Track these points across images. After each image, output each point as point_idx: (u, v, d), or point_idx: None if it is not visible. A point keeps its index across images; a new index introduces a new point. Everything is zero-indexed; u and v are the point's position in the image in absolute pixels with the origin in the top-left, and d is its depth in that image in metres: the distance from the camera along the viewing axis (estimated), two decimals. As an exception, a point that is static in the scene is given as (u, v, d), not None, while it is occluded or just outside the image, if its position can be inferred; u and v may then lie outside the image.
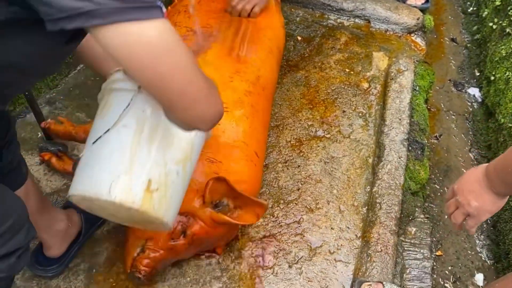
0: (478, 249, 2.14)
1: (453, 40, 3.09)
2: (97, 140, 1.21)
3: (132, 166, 1.19)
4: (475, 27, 3.10)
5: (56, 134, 1.89)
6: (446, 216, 2.13)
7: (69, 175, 1.89)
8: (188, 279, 1.72)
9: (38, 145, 1.94)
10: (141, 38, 0.81)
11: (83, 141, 1.88)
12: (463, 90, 2.79)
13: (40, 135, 2.00)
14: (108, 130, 1.20)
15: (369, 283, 1.66)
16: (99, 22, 0.78)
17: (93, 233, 1.78)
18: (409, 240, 1.90)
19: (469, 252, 2.12)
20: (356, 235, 1.87)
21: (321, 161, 2.06)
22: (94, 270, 1.71)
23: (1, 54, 0.91)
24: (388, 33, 2.64)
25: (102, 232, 1.80)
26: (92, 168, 1.22)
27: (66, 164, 1.88)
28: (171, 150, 1.26)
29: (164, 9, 0.90)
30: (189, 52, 0.91)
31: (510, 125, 2.23)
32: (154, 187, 1.22)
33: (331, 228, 1.88)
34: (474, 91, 2.77)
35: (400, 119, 2.14)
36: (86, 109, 2.12)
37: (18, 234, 1.17)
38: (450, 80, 2.84)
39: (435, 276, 1.97)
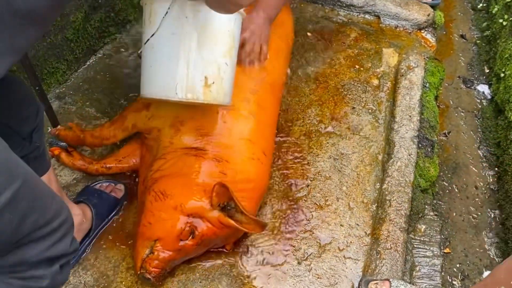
0: (486, 246, 2.13)
1: (462, 36, 3.07)
2: (146, 42, 1.49)
3: (189, 69, 1.46)
4: (484, 24, 3.08)
5: (65, 140, 1.90)
6: (454, 213, 2.13)
7: (78, 171, 1.90)
8: (197, 274, 1.72)
9: (48, 140, 1.94)
10: None
11: (91, 145, 1.89)
12: (472, 87, 2.77)
13: (49, 130, 2.00)
14: (153, 34, 1.45)
15: (375, 282, 1.66)
16: None
17: (103, 229, 1.78)
18: (418, 238, 1.90)
19: (478, 249, 2.11)
20: (366, 232, 1.87)
21: (330, 157, 2.06)
22: (103, 266, 1.71)
23: None
24: (398, 29, 2.63)
25: (112, 227, 1.80)
26: (156, 73, 1.50)
27: (75, 159, 1.88)
28: (217, 46, 1.50)
29: None
30: None
31: (521, 122, 2.22)
32: (210, 81, 1.49)
33: (341, 225, 1.88)
34: (484, 88, 2.76)
35: (410, 116, 2.13)
36: (96, 104, 2.12)
37: (65, 238, 1.18)
38: (459, 77, 2.82)
39: (443, 273, 1.96)
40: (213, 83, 1.50)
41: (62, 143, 1.91)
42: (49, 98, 2.03)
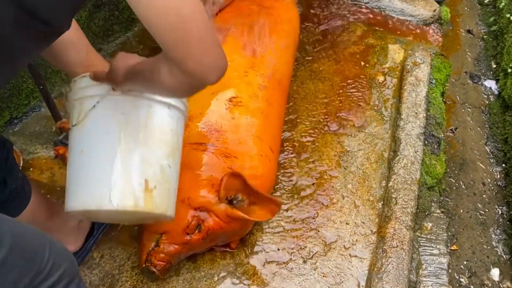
0: (494, 243, 2.11)
1: (469, 31, 3.04)
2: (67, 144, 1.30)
3: (126, 171, 1.23)
4: (491, 19, 3.06)
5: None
6: (461, 210, 2.12)
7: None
8: (203, 273, 1.71)
9: (53, 139, 1.94)
10: None
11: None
12: (479, 83, 2.75)
13: (54, 129, 2.00)
14: (75, 126, 1.26)
15: None
16: None
17: (107, 227, 1.78)
18: (425, 236, 1.89)
19: (485, 246, 2.10)
20: (372, 231, 1.86)
21: (336, 155, 2.04)
22: (108, 265, 1.71)
23: None
24: (404, 25, 2.60)
25: (117, 225, 1.80)
26: (86, 180, 1.25)
27: (80, 158, 1.87)
28: (159, 146, 1.29)
29: None
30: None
31: (528, 118, 2.20)
32: (152, 185, 1.26)
33: (346, 223, 1.87)
34: (491, 84, 2.74)
35: (416, 113, 2.11)
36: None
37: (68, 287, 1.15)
38: (466, 72, 2.80)
39: (450, 271, 1.95)
40: (155, 187, 1.26)
41: (67, 142, 1.90)
42: (54, 96, 2.03)
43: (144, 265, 1.57)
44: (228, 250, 1.76)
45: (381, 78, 2.32)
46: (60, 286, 1.12)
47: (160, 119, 1.30)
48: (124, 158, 1.23)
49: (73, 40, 1.35)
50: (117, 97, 1.22)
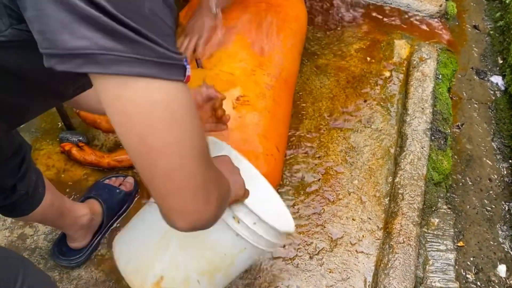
0: (500, 240, 2.10)
1: (475, 27, 3.02)
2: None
3: (153, 256, 1.24)
4: (498, 14, 3.03)
5: (84, 120, 1.90)
6: (468, 206, 2.11)
7: (90, 165, 1.90)
8: (209, 269, 1.71)
9: (59, 135, 1.94)
10: (143, 99, 0.66)
11: (106, 130, 1.89)
12: (486, 78, 2.73)
13: (60, 125, 2.00)
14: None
15: None
16: (98, 70, 0.64)
17: (114, 223, 1.78)
18: (432, 231, 1.88)
19: (492, 243, 2.09)
20: (378, 226, 1.85)
21: (341, 151, 2.04)
22: (114, 261, 1.71)
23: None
24: (410, 20, 2.59)
25: (123, 222, 1.80)
26: (130, 242, 1.31)
27: (86, 154, 1.88)
28: (196, 259, 1.23)
29: (189, 70, 0.74)
30: (199, 133, 0.74)
31: (536, 114, 2.19)
32: (164, 285, 1.22)
33: (352, 219, 1.86)
34: (497, 79, 2.72)
35: (422, 108, 2.10)
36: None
37: None
38: (472, 68, 2.78)
39: (456, 267, 1.94)
40: None
41: (73, 139, 1.91)
42: (60, 93, 2.03)
43: None
44: (234, 246, 1.76)
45: (387, 74, 2.31)
46: None
47: (217, 238, 1.21)
48: (157, 247, 1.24)
49: None
50: None
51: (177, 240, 1.21)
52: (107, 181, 1.83)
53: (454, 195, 2.17)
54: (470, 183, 2.23)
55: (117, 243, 1.33)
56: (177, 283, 1.23)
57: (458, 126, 2.45)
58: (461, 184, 2.23)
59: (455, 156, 2.30)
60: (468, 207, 2.12)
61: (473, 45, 2.91)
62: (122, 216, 1.80)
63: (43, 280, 1.10)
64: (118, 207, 1.78)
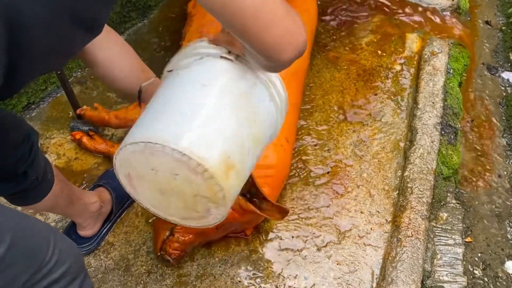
0: (509, 236, 2.09)
1: (487, 22, 3.00)
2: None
3: (212, 124, 1.03)
4: (510, 9, 3.01)
5: (90, 120, 1.90)
6: (476, 202, 2.10)
7: (100, 154, 1.91)
8: (217, 259, 1.72)
9: (69, 124, 1.96)
10: None
11: (116, 126, 1.89)
12: (497, 74, 2.72)
13: (71, 114, 2.01)
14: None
15: None
16: None
17: (124, 212, 1.79)
18: (440, 226, 1.88)
19: (500, 239, 2.08)
20: (386, 220, 1.85)
21: (351, 144, 2.04)
22: (124, 249, 1.73)
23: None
24: (422, 14, 2.57)
25: (132, 211, 1.81)
26: (164, 114, 1.04)
27: (97, 143, 1.89)
28: (250, 125, 1.10)
29: None
30: None
31: (547, 110, 2.17)
32: (231, 162, 1.05)
33: (361, 212, 1.86)
34: (508, 76, 2.70)
35: (433, 103, 2.10)
36: (117, 88, 2.13)
37: (71, 285, 1.11)
38: (483, 63, 2.76)
39: (464, 262, 1.94)
40: (234, 167, 1.05)
41: (84, 128, 1.92)
42: (70, 82, 2.04)
43: (159, 254, 1.59)
44: (243, 236, 1.77)
45: (398, 67, 2.30)
46: (62, 283, 1.08)
47: (261, 102, 1.14)
48: (215, 112, 1.04)
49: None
50: (227, 61, 1.08)
51: (230, 107, 1.06)
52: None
53: (463, 191, 2.16)
54: (479, 178, 2.22)
55: (145, 129, 1.06)
56: (239, 158, 1.06)
57: (468, 121, 2.44)
58: (470, 179, 2.23)
59: (465, 151, 2.29)
60: (476, 202, 2.11)
61: (485, 41, 2.89)
62: (132, 205, 1.81)
63: (70, 245, 1.14)
64: (127, 196, 1.78)
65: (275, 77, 1.18)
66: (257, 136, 1.13)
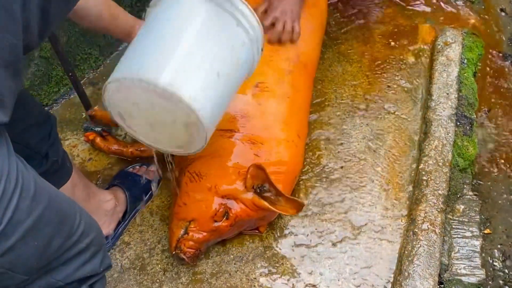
0: (529, 227, 2.06)
1: (502, 10, 2.95)
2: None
3: (190, 56, 1.17)
4: (526, -4, 2.95)
5: (102, 120, 1.92)
6: (495, 193, 2.07)
7: (114, 155, 1.92)
8: (232, 256, 1.72)
9: (83, 125, 1.97)
10: None
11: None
12: (513, 62, 2.67)
13: (84, 115, 2.03)
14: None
15: None
16: None
17: (138, 211, 1.80)
18: (457, 218, 1.85)
19: (519, 230, 2.05)
20: (402, 214, 1.83)
21: (364, 138, 2.02)
22: (139, 248, 1.74)
23: None
24: (435, 4, 2.54)
25: (146, 210, 1.82)
26: (141, 51, 1.18)
27: (110, 143, 1.90)
28: (213, 50, 1.22)
29: None
30: None
31: None
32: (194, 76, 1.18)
33: (376, 207, 1.84)
34: (525, 64, 2.65)
35: (447, 94, 2.07)
36: (128, 88, 2.14)
37: (95, 257, 1.19)
38: (499, 52, 2.72)
39: (483, 255, 1.91)
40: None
41: (97, 128, 1.93)
42: (83, 83, 2.06)
43: (174, 252, 1.59)
44: (257, 233, 1.77)
45: (411, 59, 2.27)
46: (88, 254, 1.16)
47: (226, 31, 1.25)
48: (191, 44, 1.18)
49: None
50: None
51: (205, 37, 1.20)
52: (131, 170, 1.85)
53: (480, 182, 2.13)
54: (497, 169, 2.19)
55: (124, 66, 1.20)
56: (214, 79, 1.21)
57: (484, 111, 2.40)
58: (487, 170, 2.19)
59: (482, 142, 2.25)
60: (495, 193, 2.08)
61: (500, 29, 2.84)
62: (146, 204, 1.82)
63: (93, 220, 1.23)
64: (141, 196, 1.80)
65: (242, 5, 1.26)
66: (223, 56, 1.24)
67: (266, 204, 1.54)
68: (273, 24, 1.80)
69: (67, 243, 1.08)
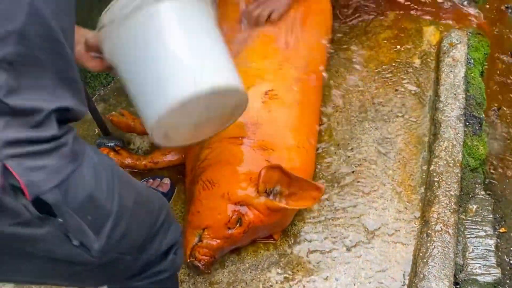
0: (545, 223, 2.06)
1: (507, 8, 2.95)
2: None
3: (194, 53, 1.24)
4: (531, -7, 2.95)
5: (118, 126, 1.98)
6: (508, 191, 2.06)
7: (127, 168, 1.95)
8: (247, 265, 1.74)
9: (96, 141, 2.00)
10: None
11: (141, 132, 1.95)
12: (521, 60, 2.66)
13: (97, 131, 2.06)
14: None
15: None
16: None
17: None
18: (470, 218, 1.86)
19: (536, 228, 2.04)
20: (415, 216, 1.84)
21: (374, 142, 2.03)
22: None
23: None
24: (438, 5, 2.54)
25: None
26: (167, 76, 1.20)
27: (123, 158, 1.93)
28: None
29: None
30: None
31: None
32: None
33: (388, 210, 1.85)
34: (533, 61, 2.65)
35: (455, 94, 2.07)
36: (139, 103, 2.16)
37: (172, 225, 1.26)
38: (506, 51, 2.72)
39: (499, 253, 1.90)
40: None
41: (110, 144, 1.96)
42: (94, 100, 2.10)
43: (188, 260, 1.61)
44: (271, 241, 1.78)
45: (417, 62, 2.28)
46: (166, 225, 1.23)
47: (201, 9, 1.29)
48: (198, 42, 1.25)
49: None
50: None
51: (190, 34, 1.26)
52: (144, 183, 1.88)
53: (493, 181, 2.13)
54: (509, 167, 2.19)
55: (158, 103, 1.23)
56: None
57: (494, 110, 2.40)
58: (499, 169, 2.19)
59: (492, 141, 2.25)
60: (508, 192, 2.08)
61: (506, 27, 2.84)
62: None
63: (159, 194, 1.33)
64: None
65: None
66: (212, 32, 1.31)
67: (279, 204, 1.57)
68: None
69: (152, 220, 1.16)
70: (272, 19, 1.88)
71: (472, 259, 1.75)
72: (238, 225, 1.60)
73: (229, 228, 1.60)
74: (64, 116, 0.91)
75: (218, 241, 1.61)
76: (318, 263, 1.74)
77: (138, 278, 1.19)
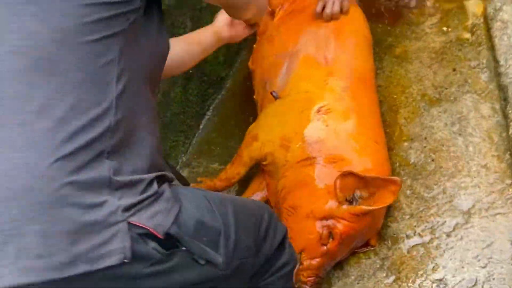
0: None
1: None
2: None
3: None
4: None
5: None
6: None
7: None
8: (353, 277, 1.76)
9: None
10: None
11: (222, 188, 2.03)
12: None
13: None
14: None
15: None
16: None
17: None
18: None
19: None
20: (507, 183, 1.77)
21: (446, 125, 2.00)
22: None
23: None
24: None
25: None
26: None
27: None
28: None
29: None
30: None
31: None
32: None
33: (478, 186, 1.80)
34: None
35: (513, 54, 2.01)
36: (217, 158, 2.31)
37: (278, 222, 1.47)
38: None
39: None
40: None
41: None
42: (178, 168, 2.26)
43: (296, 286, 1.66)
44: (370, 248, 1.79)
45: (467, 36, 2.24)
46: (273, 223, 1.42)
47: None
48: None
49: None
50: None
51: None
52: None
53: None
54: None
55: None
56: None
57: None
58: None
59: None
60: None
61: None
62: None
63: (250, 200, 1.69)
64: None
65: None
66: None
67: (362, 207, 1.60)
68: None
69: (255, 220, 1.33)
70: (344, 11, 2.00)
71: None
72: (331, 239, 1.64)
73: (323, 244, 1.64)
74: (159, 178, 1.09)
75: (318, 259, 1.65)
76: (421, 256, 1.72)
77: (266, 275, 1.38)
